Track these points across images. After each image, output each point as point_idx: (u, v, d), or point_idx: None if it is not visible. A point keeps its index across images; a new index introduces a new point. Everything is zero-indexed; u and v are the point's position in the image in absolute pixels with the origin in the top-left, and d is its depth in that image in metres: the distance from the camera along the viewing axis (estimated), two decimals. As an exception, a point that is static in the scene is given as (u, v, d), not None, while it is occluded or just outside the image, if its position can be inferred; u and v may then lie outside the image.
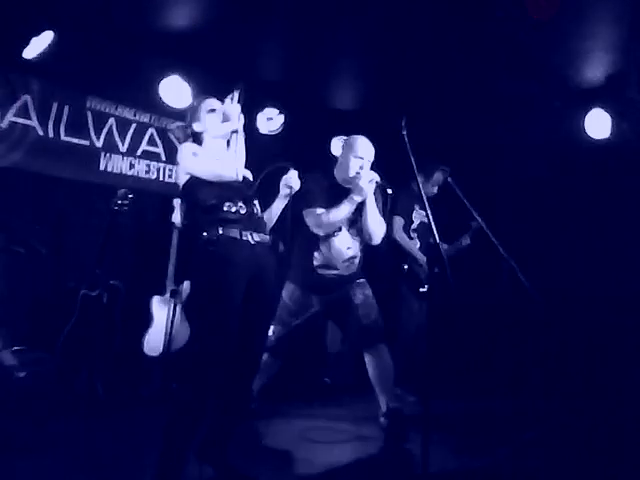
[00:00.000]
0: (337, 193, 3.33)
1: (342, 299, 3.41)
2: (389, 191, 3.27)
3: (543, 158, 4.82)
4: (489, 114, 4.81)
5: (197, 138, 2.75)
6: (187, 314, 4.05)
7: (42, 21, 3.71)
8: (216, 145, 2.70)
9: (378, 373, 3.37)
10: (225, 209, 2.55)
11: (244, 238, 2.54)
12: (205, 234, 2.50)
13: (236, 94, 2.66)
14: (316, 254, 3.39)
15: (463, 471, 2.87)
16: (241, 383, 2.65)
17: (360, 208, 3.32)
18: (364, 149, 3.35)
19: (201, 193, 2.57)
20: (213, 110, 2.72)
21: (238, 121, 2.63)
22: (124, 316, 3.97)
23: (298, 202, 3.31)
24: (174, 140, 2.81)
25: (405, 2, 3.50)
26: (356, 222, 3.39)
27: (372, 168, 3.36)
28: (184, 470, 2.37)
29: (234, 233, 2.52)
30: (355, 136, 3.42)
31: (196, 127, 2.76)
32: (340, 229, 3.36)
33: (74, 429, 3.18)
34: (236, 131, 2.62)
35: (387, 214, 3.38)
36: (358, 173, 3.26)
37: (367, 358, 3.40)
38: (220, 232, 2.50)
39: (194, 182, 2.58)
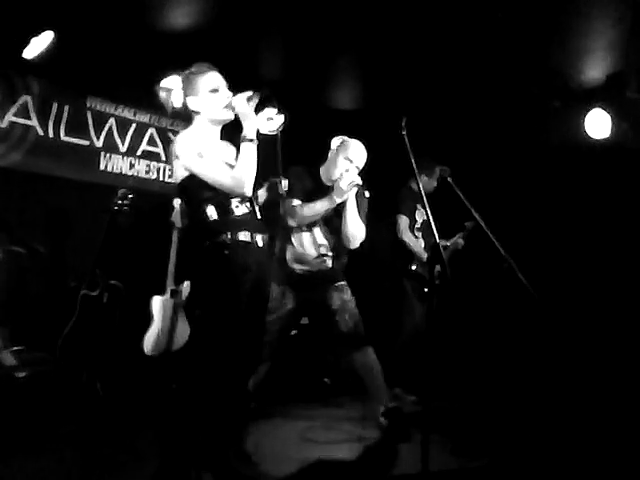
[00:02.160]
0: (318, 190, 3.31)
1: (319, 303, 3.38)
2: (367, 194, 3.28)
3: (543, 158, 4.83)
4: (489, 114, 4.81)
5: (186, 115, 2.50)
6: (189, 316, 4.04)
7: (42, 21, 3.71)
8: (211, 132, 2.51)
9: (365, 375, 3.37)
10: (234, 208, 2.46)
11: (252, 241, 2.47)
12: (219, 236, 2.40)
13: (255, 98, 2.46)
14: (288, 247, 3.38)
15: (463, 471, 2.87)
16: (240, 386, 2.63)
17: (340, 210, 3.29)
18: (356, 154, 3.33)
19: (207, 190, 2.41)
20: (216, 90, 2.47)
21: (253, 127, 2.43)
22: (124, 316, 3.97)
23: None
24: (161, 100, 2.49)
25: (405, 2, 3.50)
26: (331, 221, 3.37)
27: (371, 168, 3.36)
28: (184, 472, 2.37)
29: (246, 236, 2.45)
30: (351, 140, 3.40)
31: (191, 103, 2.47)
32: (314, 224, 3.34)
33: (74, 429, 3.18)
34: (252, 140, 2.43)
35: (364, 217, 3.38)
36: (341, 175, 3.23)
37: (354, 362, 3.39)
38: (233, 235, 2.41)
39: (197, 179, 2.41)
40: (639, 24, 3.53)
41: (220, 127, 2.55)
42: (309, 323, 4.02)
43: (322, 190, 3.32)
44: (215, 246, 2.40)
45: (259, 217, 2.60)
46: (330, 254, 3.42)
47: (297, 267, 3.38)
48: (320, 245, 3.37)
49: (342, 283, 3.44)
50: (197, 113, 2.49)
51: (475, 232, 4.29)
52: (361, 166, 3.36)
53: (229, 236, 2.40)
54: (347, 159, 3.31)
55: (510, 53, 3.99)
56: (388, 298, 4.60)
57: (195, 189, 2.43)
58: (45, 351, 3.68)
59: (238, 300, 2.41)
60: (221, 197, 2.43)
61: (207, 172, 2.40)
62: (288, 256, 3.38)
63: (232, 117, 2.48)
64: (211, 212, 2.42)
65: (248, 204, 2.53)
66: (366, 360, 3.35)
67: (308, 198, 3.28)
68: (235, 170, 2.41)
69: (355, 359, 3.37)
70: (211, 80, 2.48)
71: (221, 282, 2.40)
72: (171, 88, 2.51)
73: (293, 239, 3.37)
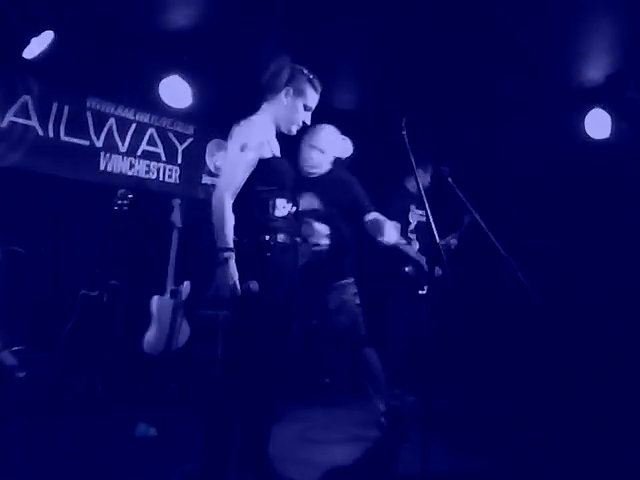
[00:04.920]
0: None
1: (318, 302, 3.37)
2: None
3: (543, 158, 4.82)
4: (489, 114, 4.81)
5: (264, 97, 2.53)
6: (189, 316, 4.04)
7: (42, 21, 3.71)
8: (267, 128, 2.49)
9: (365, 376, 3.37)
10: (279, 208, 2.49)
11: (291, 243, 2.54)
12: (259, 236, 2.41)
13: None
14: None
15: (463, 471, 2.87)
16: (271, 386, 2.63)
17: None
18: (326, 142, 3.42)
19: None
20: (309, 109, 2.56)
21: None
22: (124, 316, 3.97)
23: None
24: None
25: (405, 2, 3.50)
26: (331, 217, 3.35)
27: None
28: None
29: (284, 239, 2.46)
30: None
31: (286, 93, 2.50)
32: (312, 215, 3.33)
33: (74, 429, 3.18)
34: None
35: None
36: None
37: (354, 362, 3.40)
38: (273, 237, 2.43)
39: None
40: (639, 24, 3.52)
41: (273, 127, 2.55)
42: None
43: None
44: (257, 247, 2.30)
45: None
46: (322, 243, 3.36)
47: None
48: (309, 235, 3.33)
49: (345, 281, 3.40)
50: (275, 103, 2.52)
51: (475, 232, 4.28)
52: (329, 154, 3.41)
53: (269, 237, 2.34)
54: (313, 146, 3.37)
55: (510, 53, 3.99)
56: (380, 300, 4.58)
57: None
58: (45, 351, 3.68)
59: (271, 306, 2.34)
60: (265, 194, 2.37)
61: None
62: None
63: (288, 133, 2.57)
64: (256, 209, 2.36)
65: (291, 205, 2.47)
66: (366, 361, 3.35)
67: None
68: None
69: (354, 360, 3.38)
70: (311, 97, 2.56)
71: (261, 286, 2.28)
72: (286, 65, 2.60)
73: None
